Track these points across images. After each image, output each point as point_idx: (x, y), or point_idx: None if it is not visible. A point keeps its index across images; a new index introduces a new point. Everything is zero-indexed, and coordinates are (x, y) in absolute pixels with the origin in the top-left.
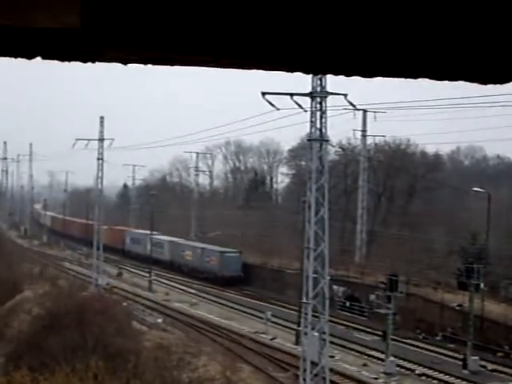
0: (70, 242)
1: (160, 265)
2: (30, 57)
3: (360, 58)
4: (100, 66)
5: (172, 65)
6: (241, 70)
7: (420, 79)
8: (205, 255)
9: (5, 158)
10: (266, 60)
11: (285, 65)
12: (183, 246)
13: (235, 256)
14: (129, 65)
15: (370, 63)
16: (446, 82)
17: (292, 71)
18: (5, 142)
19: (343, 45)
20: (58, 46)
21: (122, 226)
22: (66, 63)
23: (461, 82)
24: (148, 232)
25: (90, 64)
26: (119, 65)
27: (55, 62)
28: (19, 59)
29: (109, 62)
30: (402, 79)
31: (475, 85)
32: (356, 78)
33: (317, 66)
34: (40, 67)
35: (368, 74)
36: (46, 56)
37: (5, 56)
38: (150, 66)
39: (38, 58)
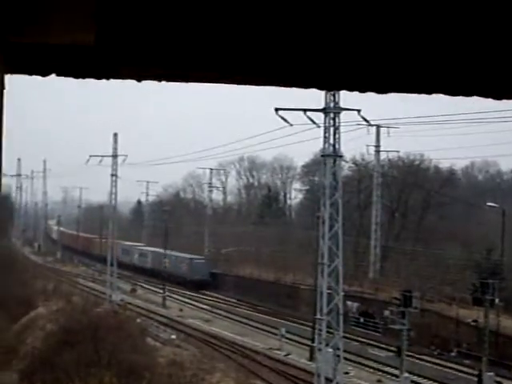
0: (84, 257)
1: (145, 272)
2: (44, 74)
3: (374, 75)
4: (114, 82)
5: (186, 81)
6: (254, 86)
7: (434, 95)
8: (178, 262)
9: (19, 175)
10: (280, 77)
11: (299, 81)
12: (162, 254)
13: (203, 262)
14: (143, 81)
15: (384, 79)
16: (461, 98)
17: (307, 87)
18: (19, 159)
19: (358, 61)
20: (72, 63)
21: (134, 241)
22: (80, 80)
23: (475, 97)
24: (136, 244)
25: (104, 80)
26: (133, 81)
27: (69, 79)
28: (33, 76)
29: (123, 78)
30: (416, 95)
31: (489, 100)
32: (370, 94)
33: (331, 83)
34: (53, 84)
35: (382, 89)
36: (61, 73)
37: (20, 73)
38: (163, 82)
39: (53, 75)
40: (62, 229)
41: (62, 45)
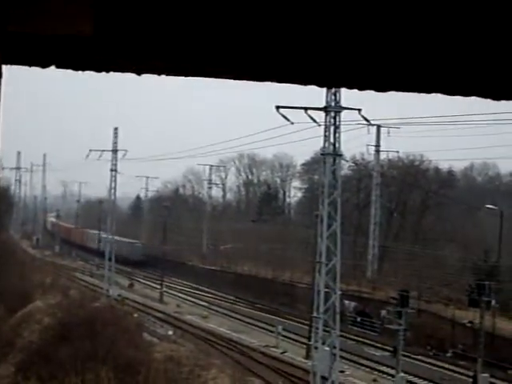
0: (82, 252)
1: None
2: (44, 65)
3: (374, 72)
4: (115, 75)
5: (186, 76)
6: (255, 83)
7: (433, 94)
8: (123, 246)
9: (18, 168)
10: (280, 73)
11: (299, 78)
12: (116, 240)
13: (140, 246)
14: (142, 75)
15: (383, 77)
16: (460, 98)
17: (306, 84)
18: (18, 152)
19: (357, 59)
20: (71, 54)
21: (133, 237)
22: (80, 73)
23: (474, 98)
24: (97, 232)
25: (104, 74)
26: (134, 75)
27: (69, 73)
28: (33, 68)
29: (122, 71)
30: (416, 94)
31: (488, 101)
32: (370, 93)
33: (331, 80)
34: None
35: (381, 88)
36: (61, 65)
37: (20, 64)
38: (163, 76)
39: (53, 67)
40: (52, 219)
41: (61, 35)
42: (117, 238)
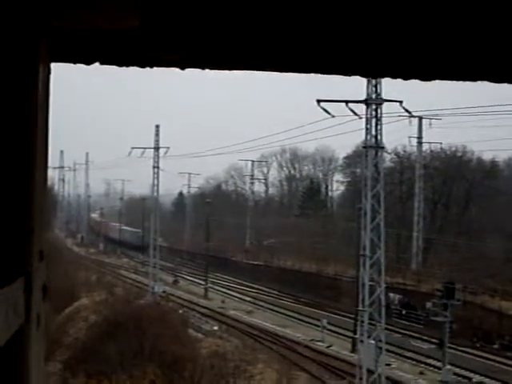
0: (127, 250)
1: (115, 241)
2: (88, 62)
3: (418, 61)
4: (156, 72)
5: (230, 69)
6: (298, 76)
7: (479, 82)
8: (128, 234)
9: (61, 167)
10: (321, 64)
11: (342, 69)
12: (126, 230)
13: (140, 234)
14: (184, 73)
15: (428, 66)
16: (504, 87)
17: (349, 75)
18: (61, 151)
19: (401, 48)
20: (116, 50)
21: (176, 234)
22: (121, 71)
23: None
24: (118, 224)
25: (146, 72)
26: (175, 72)
27: (110, 71)
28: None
29: (166, 66)
30: (460, 82)
31: None
32: (412, 85)
33: (374, 70)
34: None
35: (426, 77)
36: (105, 61)
37: (64, 62)
38: (206, 74)
39: (97, 64)
40: (95, 217)
41: (105, 30)
42: (124, 227)
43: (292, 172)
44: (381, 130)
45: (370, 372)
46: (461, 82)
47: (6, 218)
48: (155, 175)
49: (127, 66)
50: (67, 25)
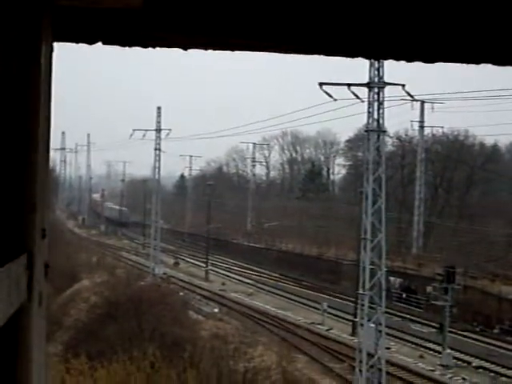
0: (128, 231)
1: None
2: (91, 42)
3: (422, 43)
4: (159, 54)
5: (233, 50)
6: (299, 59)
7: (482, 64)
8: (114, 211)
9: (63, 149)
10: (325, 45)
11: (346, 50)
12: (111, 208)
13: (126, 211)
14: (187, 53)
15: (431, 48)
16: (506, 71)
17: (353, 57)
18: (63, 133)
19: (405, 29)
20: (119, 29)
21: (178, 215)
22: (122, 52)
23: None
24: (109, 203)
25: (148, 53)
26: (178, 53)
27: (114, 52)
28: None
29: (169, 47)
30: (464, 65)
31: None
32: (415, 68)
33: (377, 52)
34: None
35: (429, 59)
36: (107, 41)
37: (67, 41)
38: (207, 54)
39: (99, 43)
40: (97, 199)
41: (108, 9)
42: (113, 205)
43: (293, 155)
44: (383, 113)
45: (370, 355)
46: (464, 65)
47: (8, 195)
48: (157, 157)
49: (130, 46)
50: (70, 3)
